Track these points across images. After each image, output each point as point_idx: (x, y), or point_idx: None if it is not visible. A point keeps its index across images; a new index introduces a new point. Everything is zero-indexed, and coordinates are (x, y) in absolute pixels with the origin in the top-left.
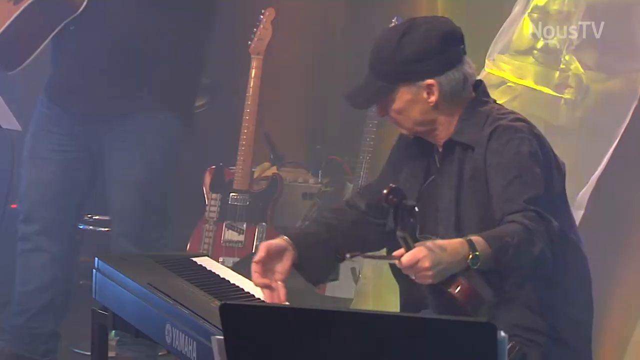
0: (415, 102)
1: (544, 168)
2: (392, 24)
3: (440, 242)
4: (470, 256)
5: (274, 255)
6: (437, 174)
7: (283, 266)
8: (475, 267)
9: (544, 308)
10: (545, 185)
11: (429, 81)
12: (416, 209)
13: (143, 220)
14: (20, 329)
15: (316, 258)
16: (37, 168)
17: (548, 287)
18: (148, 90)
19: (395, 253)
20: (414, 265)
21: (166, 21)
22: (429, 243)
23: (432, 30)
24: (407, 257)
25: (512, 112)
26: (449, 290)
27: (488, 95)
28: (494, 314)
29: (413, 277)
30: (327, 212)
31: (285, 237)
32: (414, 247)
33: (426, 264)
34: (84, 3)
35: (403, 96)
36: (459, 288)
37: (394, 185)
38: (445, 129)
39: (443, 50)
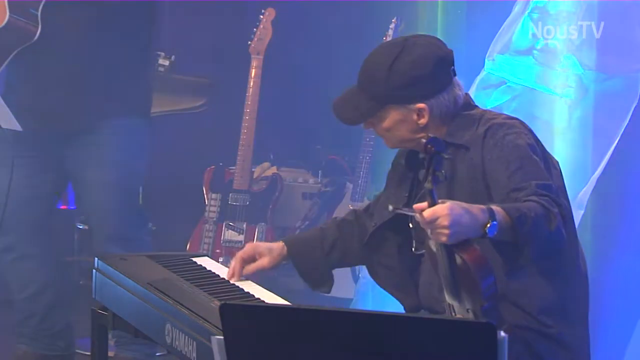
0: (405, 122)
1: (542, 160)
2: (392, 24)
3: (463, 204)
4: (489, 224)
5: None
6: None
7: (258, 264)
8: (492, 236)
9: (537, 305)
10: (547, 174)
11: (420, 105)
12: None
13: (118, 221)
14: (35, 331)
15: (309, 257)
16: (2, 177)
17: (548, 284)
18: (102, 101)
19: (417, 206)
20: (433, 221)
21: (110, 34)
22: (452, 202)
23: (426, 55)
24: (429, 212)
25: (503, 114)
26: (460, 254)
27: (475, 103)
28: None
29: (429, 233)
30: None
31: (281, 241)
32: (438, 202)
33: (445, 222)
34: (38, 31)
35: (393, 117)
36: (471, 253)
37: (433, 136)
38: None
39: (435, 75)
